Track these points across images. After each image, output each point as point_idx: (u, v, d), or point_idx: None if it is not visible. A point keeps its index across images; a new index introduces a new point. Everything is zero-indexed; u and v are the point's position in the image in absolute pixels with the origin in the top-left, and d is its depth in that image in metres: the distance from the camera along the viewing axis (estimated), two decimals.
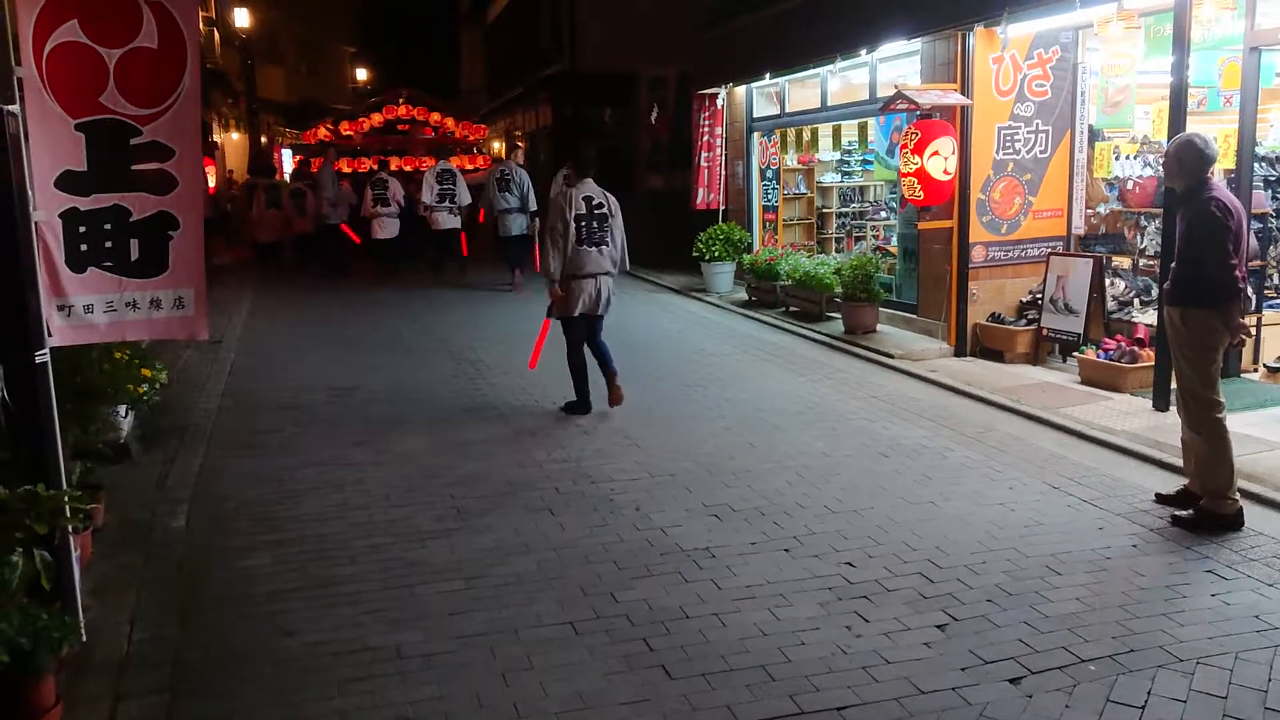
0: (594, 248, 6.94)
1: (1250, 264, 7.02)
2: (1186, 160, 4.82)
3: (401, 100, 22.78)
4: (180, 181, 3.96)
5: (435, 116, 22.94)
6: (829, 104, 11.34)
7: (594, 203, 6.97)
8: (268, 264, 17.14)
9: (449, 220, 14.84)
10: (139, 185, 3.90)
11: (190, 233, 4.03)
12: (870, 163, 11.96)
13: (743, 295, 12.46)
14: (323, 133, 22.94)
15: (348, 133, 22.40)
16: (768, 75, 12.13)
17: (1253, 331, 7.26)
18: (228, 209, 20.95)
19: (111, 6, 3.74)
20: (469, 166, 21.83)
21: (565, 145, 21.51)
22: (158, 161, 3.91)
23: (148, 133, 3.86)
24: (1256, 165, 7.17)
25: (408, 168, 20.14)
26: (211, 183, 19.55)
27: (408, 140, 22.37)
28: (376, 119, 22.54)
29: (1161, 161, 5.54)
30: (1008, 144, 8.51)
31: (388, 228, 15.21)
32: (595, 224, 6.93)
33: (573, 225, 6.86)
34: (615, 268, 7.12)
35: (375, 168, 19.00)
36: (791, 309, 11.25)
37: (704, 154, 13.67)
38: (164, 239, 3.98)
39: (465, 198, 14.90)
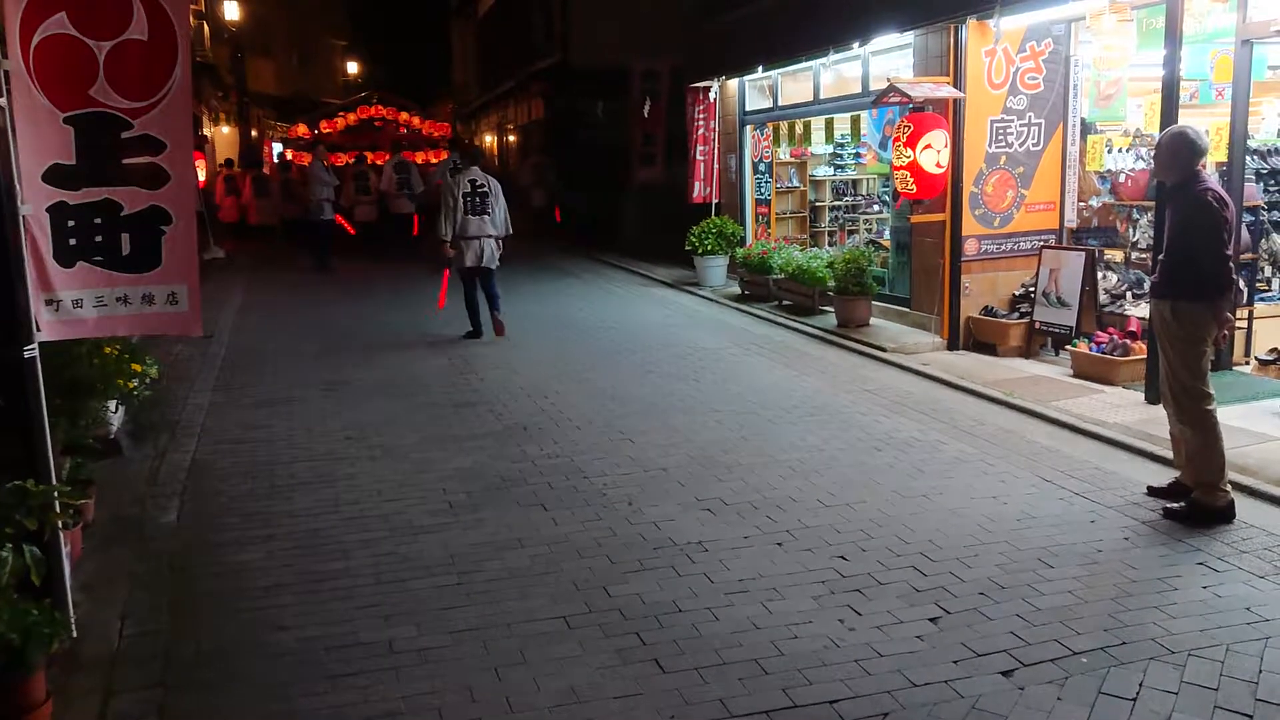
0: (477, 216, 9.44)
1: (1242, 257, 7.06)
2: (1179, 153, 4.81)
3: (375, 102, 26.14)
4: (172, 176, 3.93)
5: (404, 115, 26.07)
6: (821, 97, 11.33)
7: (477, 184, 9.51)
8: (259, 255, 17.43)
9: (405, 205, 17.24)
10: (130, 179, 3.88)
11: (183, 228, 4.00)
12: (861, 155, 11.97)
13: (735, 289, 12.46)
14: (302, 129, 25.87)
15: (325, 130, 24.97)
16: (760, 68, 12.12)
17: (1241, 325, 7.28)
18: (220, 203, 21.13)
19: None
20: (434, 160, 23.96)
21: (558, 138, 21.58)
22: (149, 155, 3.88)
23: (138, 126, 3.83)
24: (1248, 158, 7.18)
25: (379, 162, 22.42)
26: (201, 176, 19.88)
27: (381, 137, 25.29)
28: (351, 118, 25.54)
29: (1152, 154, 5.54)
30: (1000, 137, 8.51)
31: (368, 212, 17.58)
32: (478, 200, 9.44)
33: (460, 200, 9.36)
34: (497, 231, 9.59)
35: (352, 162, 21.62)
36: (784, 302, 11.25)
37: (699, 148, 13.66)
38: (156, 234, 3.96)
39: (418, 185, 17.26)
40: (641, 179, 17.35)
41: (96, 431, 5.75)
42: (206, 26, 26.28)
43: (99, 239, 3.87)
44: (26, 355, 3.63)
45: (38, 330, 3.73)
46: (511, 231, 9.85)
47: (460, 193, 9.41)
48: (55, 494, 3.50)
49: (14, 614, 3.16)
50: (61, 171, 3.75)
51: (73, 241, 3.82)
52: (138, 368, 5.66)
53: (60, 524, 3.65)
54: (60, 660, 3.53)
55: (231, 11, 27.29)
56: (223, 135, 29.03)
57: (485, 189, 9.52)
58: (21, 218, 3.64)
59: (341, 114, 26.26)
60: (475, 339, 9.67)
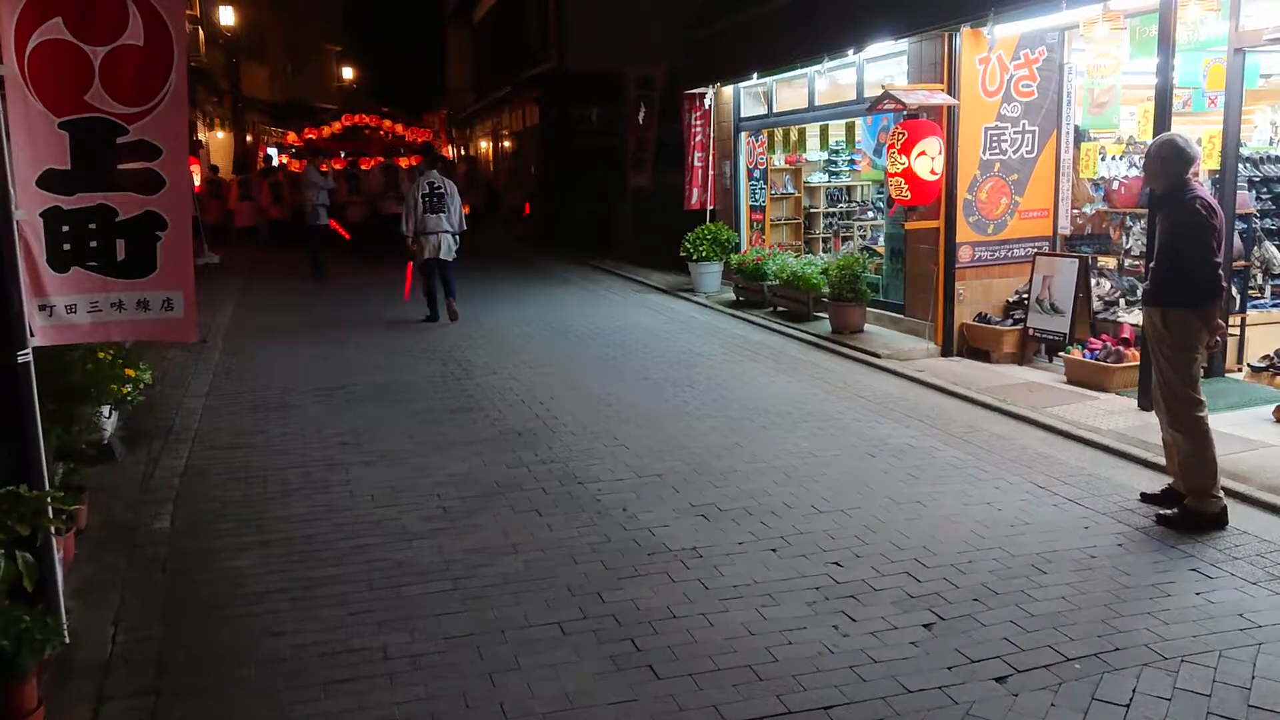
0: (435, 214, 10.79)
1: (1235, 264, 7.09)
2: (1168, 161, 4.84)
3: (359, 111, 29.92)
4: (168, 181, 3.93)
5: (388, 123, 29.30)
6: (816, 104, 11.36)
7: (435, 186, 10.86)
8: (252, 261, 17.61)
9: (392, 205, 19.01)
10: (126, 185, 3.88)
11: (179, 233, 4.00)
12: (856, 162, 11.99)
13: (730, 295, 12.47)
14: (291, 137, 29.18)
15: (315, 136, 27.87)
16: (755, 75, 12.14)
17: (1233, 332, 7.30)
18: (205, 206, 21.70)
19: (97, 4, 3.71)
20: (416, 164, 26.35)
21: (553, 144, 21.62)
22: (145, 161, 3.88)
23: (134, 131, 3.83)
24: (1241, 166, 7.21)
25: (364, 166, 25.64)
26: (196, 182, 20.43)
27: (368, 143, 28.41)
28: (338, 126, 28.76)
29: (1143, 162, 5.57)
30: (994, 144, 8.54)
31: (359, 212, 19.63)
32: (435, 200, 10.79)
33: (420, 201, 10.76)
34: (453, 228, 10.91)
35: (344, 166, 24.17)
36: (779, 309, 11.26)
37: (696, 154, 13.67)
38: (152, 239, 3.96)
39: (404, 187, 19.00)
40: (636, 185, 17.36)
41: (90, 437, 5.75)
42: (201, 32, 26.26)
43: (93, 244, 3.86)
44: (20, 360, 3.62)
45: (31, 335, 3.72)
46: (465, 228, 11.23)
47: (420, 194, 10.78)
48: (48, 499, 3.49)
49: (6, 619, 3.15)
50: (56, 176, 3.75)
51: (67, 247, 3.82)
52: (131, 373, 5.66)
53: (53, 529, 3.65)
54: (52, 666, 3.52)
55: (226, 17, 27.32)
56: (217, 140, 29.02)
57: (442, 190, 10.86)
58: (15, 223, 3.63)
59: (332, 122, 29.49)
60: (432, 322, 11.00)
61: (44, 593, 3.59)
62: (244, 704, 3.43)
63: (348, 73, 48.88)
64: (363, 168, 24.69)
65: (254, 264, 17.38)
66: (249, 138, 32.64)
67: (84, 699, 3.44)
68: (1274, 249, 7.76)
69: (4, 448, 3.64)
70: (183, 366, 8.79)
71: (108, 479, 5.69)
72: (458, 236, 11.01)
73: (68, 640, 3.70)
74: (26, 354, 3.65)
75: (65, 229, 3.80)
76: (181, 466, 6.05)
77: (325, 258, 15.58)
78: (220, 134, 29.77)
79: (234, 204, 20.87)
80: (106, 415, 6.08)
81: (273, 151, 34.13)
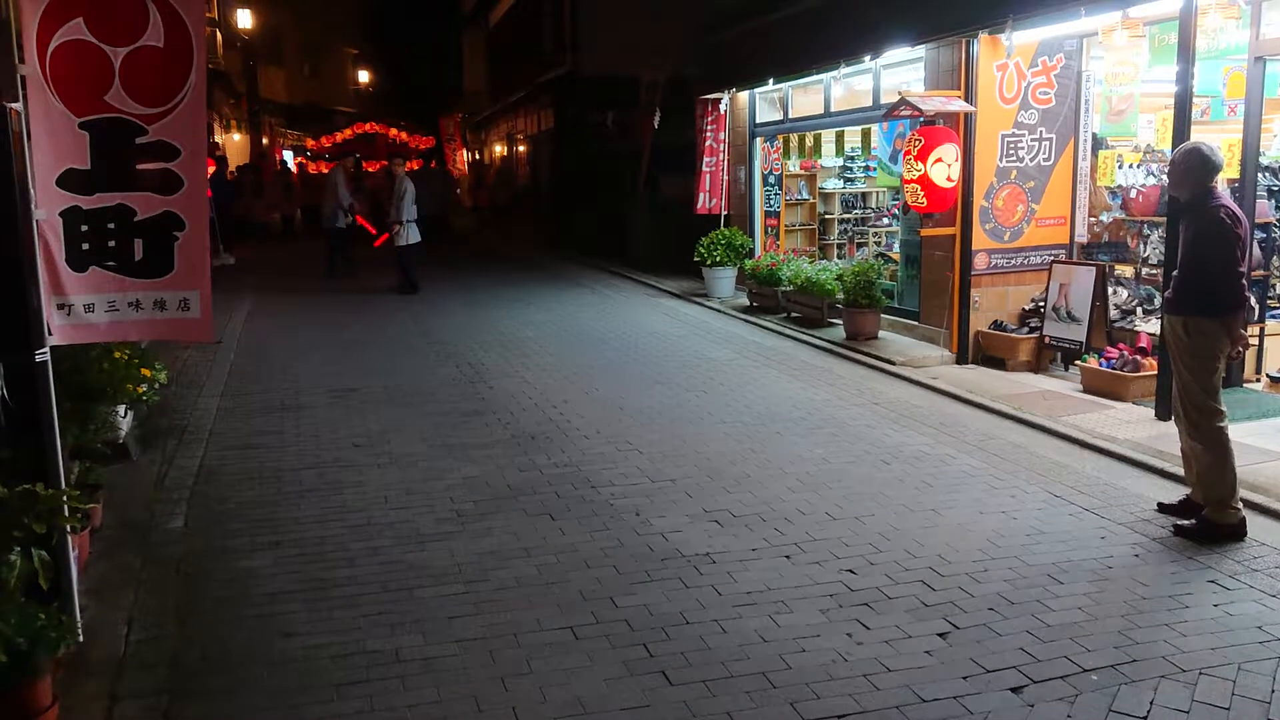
0: (411, 205, 13.81)
1: (1254, 274, 7.03)
2: (1193, 169, 4.81)
3: (369, 120, 34.33)
4: (186, 182, 3.95)
5: (393, 131, 32.54)
6: (832, 110, 11.34)
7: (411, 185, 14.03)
8: (268, 261, 17.64)
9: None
10: (144, 185, 3.89)
11: (196, 234, 4.01)
12: (873, 169, 11.96)
13: (744, 300, 12.45)
14: (309, 142, 33.00)
15: (327, 142, 31.55)
16: (771, 81, 12.13)
17: (1252, 342, 7.25)
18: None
19: (118, 5, 3.73)
20: (416, 168, 29.19)
21: (568, 148, 21.69)
22: (163, 161, 3.90)
23: (153, 132, 3.85)
24: (1260, 175, 7.16)
25: (371, 169, 28.69)
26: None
27: (374, 147, 31.47)
28: (349, 132, 32.78)
29: (1167, 170, 5.53)
30: (1011, 151, 8.50)
31: (364, 209, 20.43)
32: (410, 196, 13.88)
33: (404, 195, 13.81)
34: (414, 218, 13.87)
35: (351, 168, 26.17)
36: (793, 315, 11.24)
37: (706, 159, 13.67)
38: (169, 240, 3.97)
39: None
40: (650, 189, 17.35)
41: (105, 436, 5.75)
42: (219, 34, 26.42)
43: (112, 244, 3.88)
44: (38, 359, 3.64)
45: (49, 334, 3.74)
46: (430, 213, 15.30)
47: (407, 190, 13.83)
48: (64, 498, 3.50)
49: (22, 617, 3.16)
50: (76, 176, 3.77)
51: (85, 246, 3.84)
52: (147, 373, 5.68)
53: (68, 528, 3.65)
54: (66, 664, 3.53)
55: (244, 20, 27.50)
56: (234, 142, 29.19)
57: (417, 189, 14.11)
58: (35, 222, 3.65)
59: (345, 128, 32.84)
60: (412, 293, 13.72)
61: (59, 591, 3.60)
62: (256, 704, 3.43)
63: (364, 76, 49.06)
64: (367, 170, 27.48)
65: (269, 264, 17.45)
66: (265, 140, 32.88)
67: (97, 697, 3.45)
68: None
69: (22, 446, 3.65)
70: (198, 366, 8.83)
71: (123, 478, 5.71)
72: (417, 224, 14.08)
73: (82, 638, 3.72)
74: (44, 353, 3.67)
75: (84, 228, 3.82)
76: (196, 466, 6.07)
77: (339, 259, 15.69)
78: (237, 136, 29.95)
79: (248, 201, 22.81)
80: (122, 415, 6.10)
81: (288, 154, 34.72)
